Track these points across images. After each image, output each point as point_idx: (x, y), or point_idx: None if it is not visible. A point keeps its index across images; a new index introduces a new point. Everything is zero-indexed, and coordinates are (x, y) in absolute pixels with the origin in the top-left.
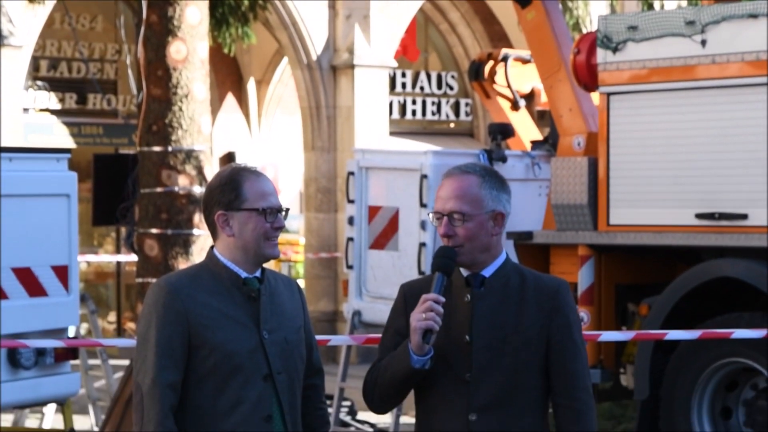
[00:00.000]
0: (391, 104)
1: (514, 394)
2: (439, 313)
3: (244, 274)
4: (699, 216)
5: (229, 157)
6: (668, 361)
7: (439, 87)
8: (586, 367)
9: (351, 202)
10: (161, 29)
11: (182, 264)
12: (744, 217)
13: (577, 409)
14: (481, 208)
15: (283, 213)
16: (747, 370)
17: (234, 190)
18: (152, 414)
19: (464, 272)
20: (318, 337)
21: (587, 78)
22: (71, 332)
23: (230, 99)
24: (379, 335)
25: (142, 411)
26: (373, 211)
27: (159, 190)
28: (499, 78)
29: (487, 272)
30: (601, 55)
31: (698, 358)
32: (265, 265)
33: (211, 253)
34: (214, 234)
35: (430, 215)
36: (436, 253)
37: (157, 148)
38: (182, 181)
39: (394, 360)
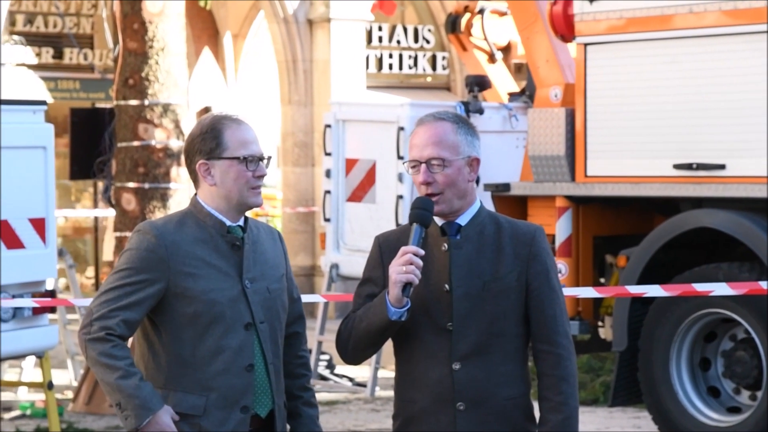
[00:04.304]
0: (367, 58)
1: (495, 341)
2: (419, 265)
3: (228, 222)
4: (677, 166)
5: (205, 111)
6: (646, 312)
7: (416, 40)
8: (564, 312)
9: (328, 154)
10: None
11: None
12: (722, 167)
13: (558, 353)
14: (458, 153)
15: (266, 161)
16: (725, 321)
17: (215, 138)
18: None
19: (439, 221)
20: None
21: (564, 29)
22: (49, 285)
23: (207, 53)
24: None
25: (89, 334)
26: (350, 163)
27: (136, 143)
28: (476, 31)
29: (462, 220)
30: (578, 6)
31: (676, 310)
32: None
33: (194, 200)
34: (197, 183)
35: (406, 164)
36: (413, 204)
37: (133, 102)
38: (159, 135)
39: (370, 311)
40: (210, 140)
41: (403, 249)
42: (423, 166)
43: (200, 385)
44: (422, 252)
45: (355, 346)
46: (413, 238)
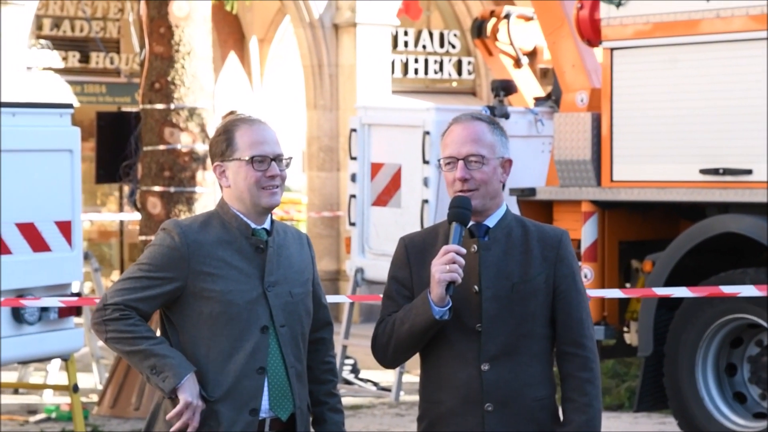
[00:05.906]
0: (393, 63)
1: (523, 342)
2: (461, 264)
3: (253, 225)
4: (703, 171)
5: (231, 115)
6: (672, 317)
7: (442, 45)
8: (589, 315)
9: (353, 159)
10: None
11: None
12: (748, 172)
13: (585, 356)
14: (494, 153)
15: (286, 160)
16: (752, 327)
17: (226, 140)
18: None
19: None
20: None
21: (590, 33)
22: (75, 287)
23: (233, 57)
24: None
25: (104, 315)
26: (376, 167)
27: (162, 147)
28: (502, 35)
29: (490, 222)
30: (605, 10)
31: (702, 315)
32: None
33: (222, 201)
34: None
35: (440, 161)
36: (452, 203)
37: (159, 106)
38: (185, 139)
39: (411, 313)
40: (222, 142)
41: (445, 248)
42: (460, 162)
43: (211, 386)
44: (464, 251)
45: (396, 349)
46: (453, 236)
